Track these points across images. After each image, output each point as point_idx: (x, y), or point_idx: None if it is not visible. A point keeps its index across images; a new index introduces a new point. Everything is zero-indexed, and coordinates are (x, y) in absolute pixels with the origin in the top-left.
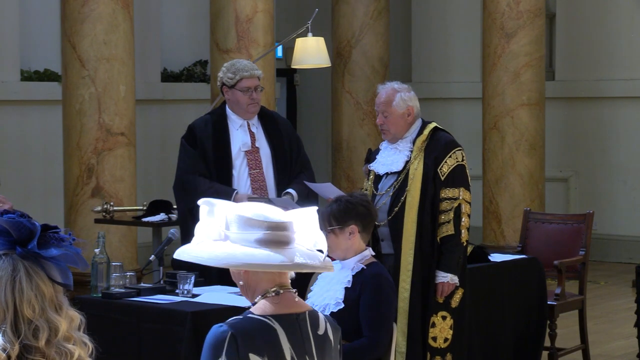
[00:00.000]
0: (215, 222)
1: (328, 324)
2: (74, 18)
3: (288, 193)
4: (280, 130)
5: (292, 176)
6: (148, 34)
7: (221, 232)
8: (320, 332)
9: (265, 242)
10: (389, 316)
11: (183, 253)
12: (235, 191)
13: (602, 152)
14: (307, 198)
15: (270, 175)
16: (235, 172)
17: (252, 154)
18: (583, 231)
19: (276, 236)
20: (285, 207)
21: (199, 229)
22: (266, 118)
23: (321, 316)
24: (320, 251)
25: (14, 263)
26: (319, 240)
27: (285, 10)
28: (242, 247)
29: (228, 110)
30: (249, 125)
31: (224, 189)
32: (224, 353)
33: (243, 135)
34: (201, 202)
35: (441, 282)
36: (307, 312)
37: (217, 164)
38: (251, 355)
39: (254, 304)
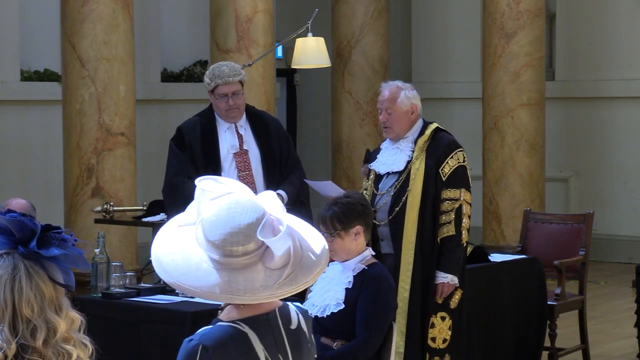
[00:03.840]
0: (194, 211)
1: (300, 316)
2: (73, 18)
3: (278, 194)
4: (269, 130)
5: (282, 177)
6: (148, 34)
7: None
8: (293, 326)
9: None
10: (383, 318)
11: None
12: None
13: (602, 152)
14: (297, 199)
15: (259, 177)
16: (224, 175)
17: (241, 156)
18: (583, 231)
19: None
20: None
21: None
22: (255, 118)
23: (292, 308)
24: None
25: (14, 262)
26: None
27: (285, 10)
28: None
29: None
30: (236, 127)
31: None
32: None
33: (231, 138)
34: (200, 182)
35: (441, 283)
36: (276, 308)
37: (206, 166)
38: None
39: (221, 309)
